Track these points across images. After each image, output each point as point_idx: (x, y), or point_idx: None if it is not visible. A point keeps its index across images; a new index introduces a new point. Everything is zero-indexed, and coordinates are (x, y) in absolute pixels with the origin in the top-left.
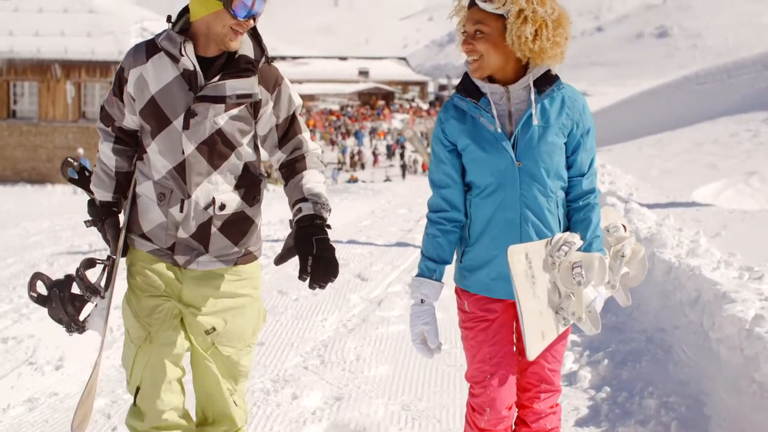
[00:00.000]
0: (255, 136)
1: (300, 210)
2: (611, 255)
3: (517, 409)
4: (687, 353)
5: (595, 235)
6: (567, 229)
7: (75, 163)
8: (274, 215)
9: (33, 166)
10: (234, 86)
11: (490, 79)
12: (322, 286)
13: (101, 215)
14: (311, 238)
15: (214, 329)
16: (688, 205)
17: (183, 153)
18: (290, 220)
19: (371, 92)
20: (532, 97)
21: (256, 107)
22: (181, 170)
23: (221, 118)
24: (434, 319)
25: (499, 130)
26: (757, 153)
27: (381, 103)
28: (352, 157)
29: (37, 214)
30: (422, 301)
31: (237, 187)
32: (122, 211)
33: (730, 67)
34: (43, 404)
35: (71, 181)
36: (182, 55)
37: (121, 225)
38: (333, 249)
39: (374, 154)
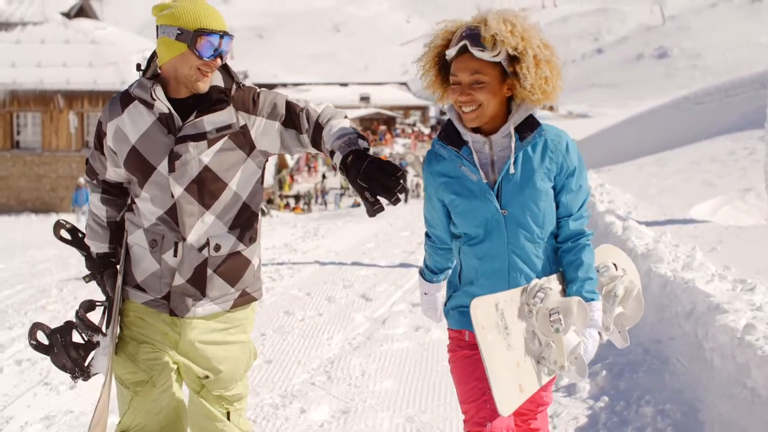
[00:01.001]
0: (261, 170)
1: (336, 164)
2: (603, 295)
3: None
4: (682, 363)
5: (587, 276)
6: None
7: (67, 225)
8: (279, 239)
9: (37, 196)
10: (212, 120)
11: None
12: (399, 192)
13: (99, 267)
14: (362, 165)
15: (207, 377)
16: (686, 221)
17: (173, 196)
18: (336, 167)
19: (373, 117)
20: (513, 145)
21: (245, 135)
22: (172, 214)
23: (206, 155)
24: (437, 304)
25: (484, 180)
26: (753, 170)
27: (383, 128)
28: None
29: (43, 242)
30: (425, 293)
31: (232, 227)
32: (119, 260)
33: (728, 86)
34: (60, 421)
35: (64, 241)
36: (154, 100)
37: (119, 272)
38: (377, 164)
39: None
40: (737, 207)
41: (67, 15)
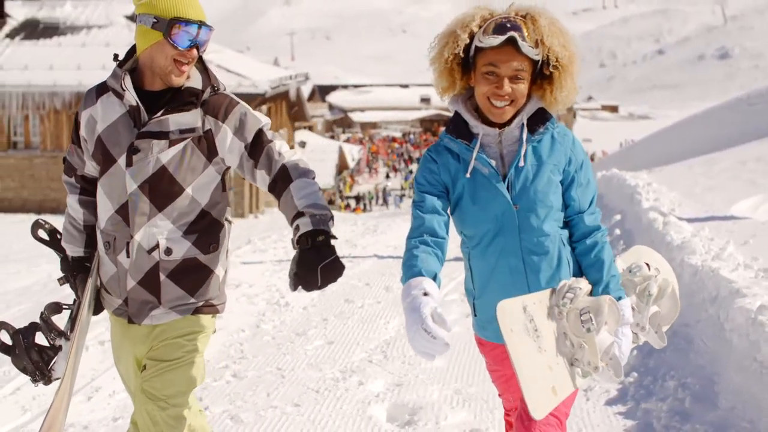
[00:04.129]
0: (220, 177)
1: (298, 228)
2: (637, 295)
3: None
4: (705, 342)
5: (611, 275)
6: (578, 267)
7: (46, 225)
8: (340, 236)
9: None
10: (177, 121)
11: (483, 119)
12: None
13: (73, 271)
14: (316, 267)
15: (145, 367)
16: (726, 218)
17: (127, 192)
18: (291, 240)
19: (433, 119)
20: (524, 137)
21: (208, 140)
22: (124, 211)
23: (165, 155)
24: (422, 305)
25: (496, 172)
26: None
27: (443, 129)
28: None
29: None
30: (426, 293)
31: (188, 233)
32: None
33: None
34: None
35: (42, 242)
36: (124, 90)
37: (90, 275)
38: (340, 272)
39: None
40: None
41: (131, 18)
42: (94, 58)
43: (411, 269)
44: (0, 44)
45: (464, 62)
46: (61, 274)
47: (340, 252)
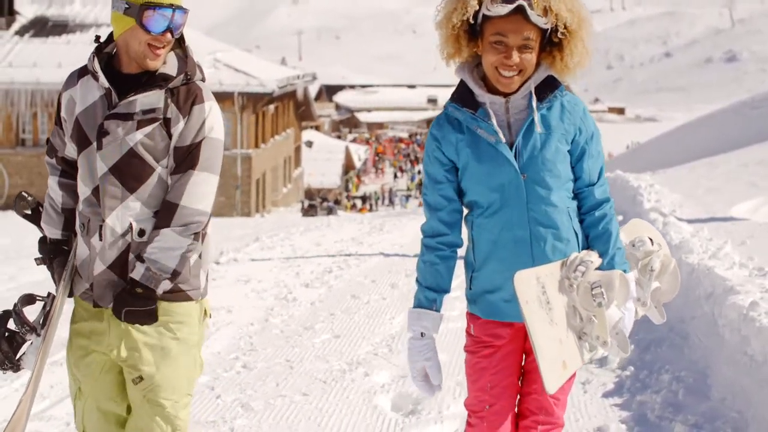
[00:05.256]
0: None
1: (133, 269)
2: (639, 270)
3: None
4: (699, 338)
5: (616, 248)
6: (585, 239)
7: (29, 199)
8: (347, 234)
9: None
10: (142, 102)
11: (489, 88)
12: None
13: (50, 253)
14: (122, 308)
15: (141, 378)
16: (725, 219)
17: (97, 175)
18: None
19: None
20: (534, 104)
21: (167, 126)
22: (97, 194)
23: (133, 137)
24: (435, 353)
25: (503, 140)
26: None
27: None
28: (420, 184)
29: None
30: (422, 334)
31: None
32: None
33: None
34: None
35: (25, 217)
36: (97, 73)
37: (68, 263)
38: (142, 322)
39: None
40: None
41: None
42: None
43: (418, 294)
44: (9, 42)
45: (471, 29)
46: (39, 256)
47: (347, 249)
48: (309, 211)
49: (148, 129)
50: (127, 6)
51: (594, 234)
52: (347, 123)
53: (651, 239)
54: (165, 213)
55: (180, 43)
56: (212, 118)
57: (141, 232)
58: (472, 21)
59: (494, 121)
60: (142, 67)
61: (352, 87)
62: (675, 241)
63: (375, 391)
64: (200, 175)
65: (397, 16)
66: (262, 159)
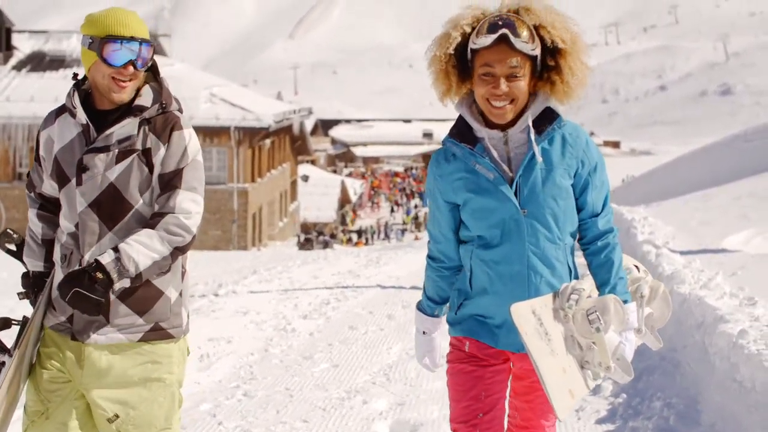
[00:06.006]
0: None
1: (102, 254)
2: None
3: None
4: (691, 366)
5: (618, 277)
6: (588, 268)
7: (14, 235)
8: (343, 267)
9: None
10: (118, 133)
11: (487, 123)
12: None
13: (33, 287)
14: (71, 285)
15: (117, 416)
16: (718, 251)
17: (77, 212)
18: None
19: None
20: (532, 137)
21: (147, 156)
22: (77, 230)
23: (112, 172)
24: (434, 347)
25: (502, 176)
26: None
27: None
28: (416, 218)
29: None
30: (424, 332)
31: None
32: None
33: None
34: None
35: (9, 253)
36: (74, 108)
37: (44, 289)
38: (88, 309)
39: None
40: None
41: None
42: None
43: (423, 300)
44: (6, 76)
45: (463, 67)
46: (22, 290)
47: (344, 282)
48: (305, 245)
49: (126, 161)
50: (90, 41)
51: (596, 263)
52: (343, 157)
53: (637, 266)
54: (152, 220)
55: (155, 76)
56: (193, 145)
57: None
58: (456, 57)
59: (495, 155)
60: (111, 101)
61: (347, 121)
62: (667, 271)
63: (373, 417)
64: (186, 193)
65: (394, 50)
66: (258, 193)
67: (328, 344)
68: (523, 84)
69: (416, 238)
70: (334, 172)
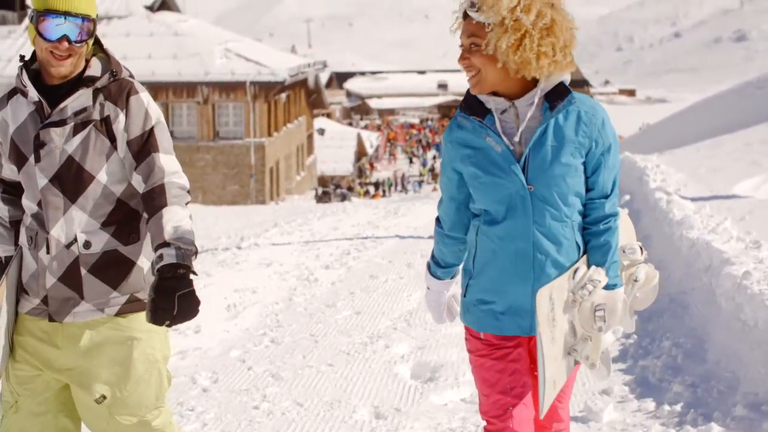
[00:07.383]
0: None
1: (161, 257)
2: (624, 279)
3: None
4: (698, 307)
5: (612, 261)
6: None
7: None
8: (363, 218)
9: None
10: (73, 105)
11: (495, 94)
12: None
13: (3, 271)
14: (173, 294)
15: (104, 397)
16: (728, 197)
17: (38, 188)
18: (152, 264)
19: (450, 105)
20: (545, 113)
21: (107, 126)
22: (40, 207)
23: (70, 144)
24: (440, 302)
25: (509, 150)
26: None
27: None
28: (432, 170)
29: None
30: (428, 288)
31: (106, 224)
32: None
33: None
34: (192, 354)
35: None
36: (25, 87)
37: (6, 273)
38: (196, 304)
39: None
40: None
41: (151, 8)
42: (115, 48)
43: (430, 261)
44: (21, 37)
45: None
46: None
47: (363, 233)
48: (323, 198)
49: (84, 132)
50: (32, 14)
51: (595, 244)
52: (358, 110)
53: (641, 248)
54: (155, 195)
55: (101, 48)
56: (153, 108)
57: (87, 244)
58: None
59: (500, 128)
60: (53, 75)
61: (362, 74)
62: (677, 217)
63: (395, 361)
64: (165, 156)
65: (408, 1)
66: (275, 147)
67: (350, 293)
68: (482, 55)
69: (434, 189)
70: (350, 124)
